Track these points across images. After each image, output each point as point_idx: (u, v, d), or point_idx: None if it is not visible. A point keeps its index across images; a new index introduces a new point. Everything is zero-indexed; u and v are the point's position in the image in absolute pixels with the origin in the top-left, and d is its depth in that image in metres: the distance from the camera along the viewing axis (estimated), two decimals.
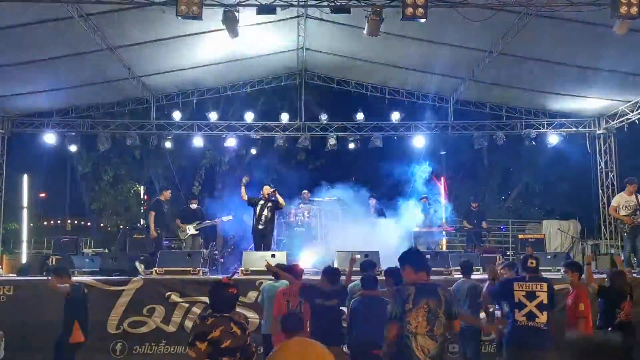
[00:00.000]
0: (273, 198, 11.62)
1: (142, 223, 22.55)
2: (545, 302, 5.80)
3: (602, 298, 6.74)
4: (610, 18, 8.44)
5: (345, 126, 15.62)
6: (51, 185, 25.40)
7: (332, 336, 5.91)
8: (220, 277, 8.83)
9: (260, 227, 11.51)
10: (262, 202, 11.60)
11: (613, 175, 14.94)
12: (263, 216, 11.50)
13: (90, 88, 13.89)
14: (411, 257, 4.90)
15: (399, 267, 4.97)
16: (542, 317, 5.74)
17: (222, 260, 13.12)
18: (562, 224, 17.07)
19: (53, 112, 15.01)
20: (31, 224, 19.78)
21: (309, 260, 11.30)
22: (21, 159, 17.01)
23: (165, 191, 13.07)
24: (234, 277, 7.13)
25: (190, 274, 9.73)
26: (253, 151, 18.66)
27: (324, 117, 15.43)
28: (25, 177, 17.32)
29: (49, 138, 14.84)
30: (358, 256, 9.07)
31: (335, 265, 9.40)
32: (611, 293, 6.70)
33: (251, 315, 8.66)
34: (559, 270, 7.77)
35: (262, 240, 11.51)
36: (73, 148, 15.33)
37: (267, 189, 11.65)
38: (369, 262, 7.60)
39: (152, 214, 12.34)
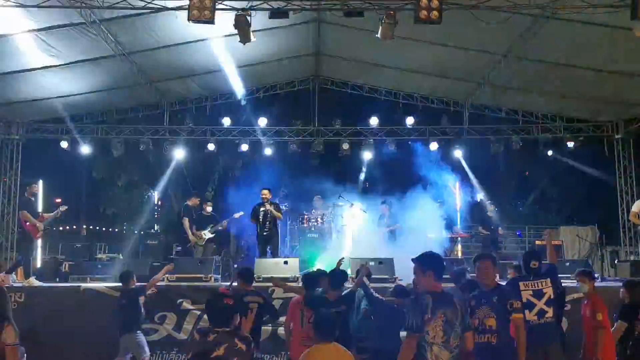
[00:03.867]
0: (276, 201, 11.63)
1: (155, 228, 22.61)
2: (552, 296, 5.76)
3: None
4: (631, 20, 8.24)
5: (359, 131, 15.50)
6: (66, 190, 25.50)
7: (341, 342, 5.77)
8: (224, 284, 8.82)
9: (264, 233, 11.49)
10: (263, 209, 11.55)
11: (632, 181, 14.65)
12: (267, 222, 11.48)
13: (104, 94, 13.92)
14: (436, 263, 4.61)
15: (417, 268, 4.66)
16: (550, 311, 5.71)
17: (235, 266, 13.03)
18: (580, 230, 16.76)
19: (67, 117, 15.07)
20: (46, 230, 19.85)
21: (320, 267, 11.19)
22: (36, 164, 17.06)
23: (193, 198, 12.80)
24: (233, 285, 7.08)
25: (202, 280, 9.65)
26: (266, 156, 18.58)
27: (337, 122, 15.33)
28: (40, 183, 17.42)
29: (64, 144, 14.90)
30: (372, 263, 8.97)
31: (349, 273, 9.28)
32: (629, 305, 6.51)
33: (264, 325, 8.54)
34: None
35: (267, 244, 11.48)
36: (87, 153, 15.38)
37: (266, 193, 11.61)
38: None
39: (186, 220, 12.14)
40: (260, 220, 11.57)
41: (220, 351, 3.77)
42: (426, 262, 4.60)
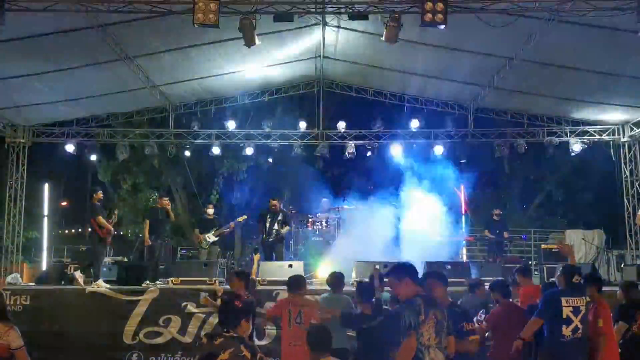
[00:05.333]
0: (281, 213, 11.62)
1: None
2: (585, 314, 5.80)
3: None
4: (636, 23, 8.21)
5: (364, 134, 15.48)
6: (71, 194, 25.62)
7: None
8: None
9: (270, 239, 11.49)
10: (269, 216, 11.56)
11: (638, 184, 14.59)
12: (273, 230, 11.48)
13: (109, 97, 13.95)
14: (407, 270, 4.70)
15: (392, 280, 4.71)
16: (582, 328, 5.74)
17: (240, 269, 13.03)
18: (586, 234, 16.64)
19: (73, 121, 15.12)
20: (52, 233, 19.95)
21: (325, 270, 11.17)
22: (42, 168, 17.17)
23: (162, 199, 12.45)
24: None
25: (206, 284, 9.65)
26: (271, 160, 18.61)
27: (342, 125, 15.31)
28: (46, 186, 17.50)
29: (69, 147, 14.93)
30: (377, 267, 8.94)
31: (353, 276, 9.27)
32: (624, 305, 6.53)
33: (269, 326, 8.55)
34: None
35: (272, 251, 11.47)
36: (93, 157, 15.43)
37: (275, 204, 11.61)
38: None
39: (147, 222, 11.82)
40: (267, 227, 11.58)
41: (225, 355, 3.76)
42: (397, 271, 4.71)
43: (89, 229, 11.11)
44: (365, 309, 6.14)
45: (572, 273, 5.95)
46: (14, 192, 14.98)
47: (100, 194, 11.38)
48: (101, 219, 10.71)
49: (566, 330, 5.65)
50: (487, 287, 7.33)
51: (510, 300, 6.86)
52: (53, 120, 15.00)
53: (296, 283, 6.56)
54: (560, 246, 7.23)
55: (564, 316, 5.67)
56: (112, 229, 10.92)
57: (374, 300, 6.26)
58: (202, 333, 9.11)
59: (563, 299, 5.75)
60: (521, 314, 6.48)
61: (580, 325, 5.70)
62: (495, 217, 13.71)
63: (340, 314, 6.20)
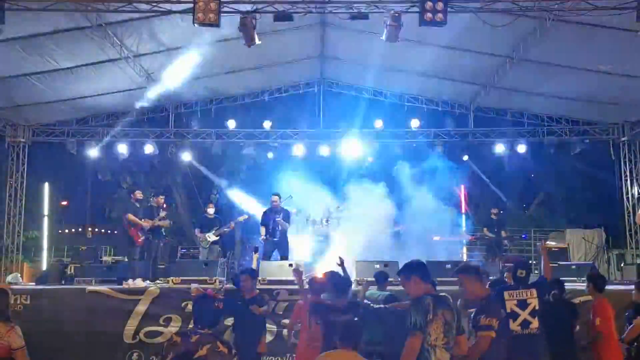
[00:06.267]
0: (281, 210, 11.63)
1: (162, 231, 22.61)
2: (536, 307, 5.59)
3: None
4: (636, 22, 8.21)
5: (364, 134, 15.46)
6: (71, 193, 25.60)
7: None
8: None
9: (275, 239, 11.51)
10: (273, 213, 11.58)
11: (638, 183, 14.58)
12: (277, 230, 11.50)
13: (109, 97, 13.96)
14: (417, 267, 4.64)
15: (402, 278, 4.63)
16: (535, 322, 5.53)
17: (240, 268, 13.05)
18: (586, 233, 16.68)
19: (73, 120, 15.13)
20: (52, 232, 19.95)
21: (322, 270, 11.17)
22: (42, 167, 17.15)
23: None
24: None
25: (207, 283, 9.65)
26: (271, 158, 18.60)
27: (342, 124, 15.32)
28: (46, 186, 17.51)
29: (69, 147, 14.94)
30: (377, 266, 8.98)
31: (353, 276, 9.27)
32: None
33: (269, 325, 8.56)
34: (584, 282, 7.53)
35: (276, 249, 11.50)
36: (93, 156, 15.41)
37: (275, 199, 11.63)
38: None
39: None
40: (270, 227, 11.61)
41: (202, 351, 3.79)
42: (407, 269, 4.64)
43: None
44: (335, 298, 6.10)
45: (517, 268, 5.90)
46: (14, 192, 14.96)
47: (138, 194, 11.29)
48: (131, 216, 10.61)
49: (513, 325, 5.46)
50: None
51: None
52: (53, 119, 15.00)
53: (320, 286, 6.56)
54: (555, 247, 7.23)
55: (508, 310, 5.55)
56: (144, 225, 10.69)
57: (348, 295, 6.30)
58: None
59: (506, 293, 5.64)
60: None
61: (530, 319, 5.50)
62: (493, 216, 13.70)
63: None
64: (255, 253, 11.36)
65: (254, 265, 11.07)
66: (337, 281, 6.33)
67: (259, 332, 7.11)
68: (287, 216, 11.87)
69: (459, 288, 5.16)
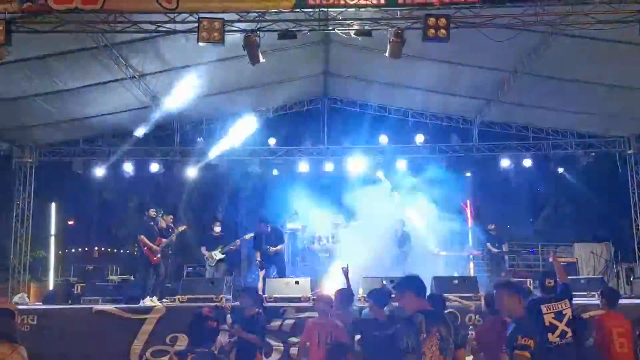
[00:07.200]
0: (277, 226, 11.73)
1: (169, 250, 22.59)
2: (571, 317, 5.65)
3: None
4: (639, 35, 8.22)
5: (369, 150, 15.48)
6: (78, 213, 25.65)
7: None
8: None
9: (269, 255, 11.50)
10: (263, 236, 11.58)
11: None
12: (270, 251, 11.48)
13: (115, 116, 14.04)
14: (411, 283, 4.55)
15: (396, 294, 4.62)
16: (569, 332, 5.59)
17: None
18: (594, 247, 16.55)
19: (79, 140, 15.22)
20: (59, 252, 19.96)
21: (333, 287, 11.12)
22: (48, 187, 17.20)
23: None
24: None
25: (213, 301, 9.60)
26: (276, 175, 18.62)
27: (347, 141, 15.35)
28: (53, 206, 17.53)
29: (76, 166, 15.01)
30: (384, 282, 8.93)
31: (360, 293, 9.23)
32: None
33: (275, 343, 8.51)
34: (593, 295, 7.47)
35: (273, 264, 11.48)
36: (99, 176, 15.48)
37: (260, 226, 11.66)
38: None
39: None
40: (264, 251, 11.64)
41: None
42: (402, 284, 4.58)
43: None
44: (378, 312, 6.12)
45: (544, 278, 5.87)
46: (21, 212, 15.01)
47: (152, 212, 11.49)
48: (143, 238, 10.85)
49: (553, 337, 5.51)
50: None
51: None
52: (60, 139, 15.09)
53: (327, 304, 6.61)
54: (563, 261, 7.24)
55: (547, 324, 5.55)
56: (155, 248, 10.92)
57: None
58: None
59: (543, 307, 5.64)
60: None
61: (567, 329, 5.55)
62: (491, 232, 13.65)
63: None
64: (261, 270, 11.33)
65: (260, 283, 11.04)
66: (375, 292, 6.36)
67: (252, 351, 6.98)
68: (279, 236, 11.85)
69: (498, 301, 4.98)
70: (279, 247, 11.70)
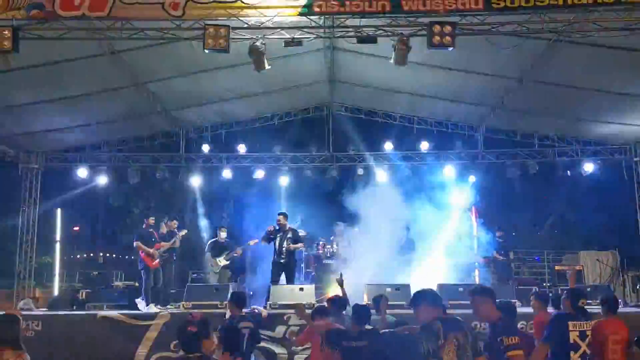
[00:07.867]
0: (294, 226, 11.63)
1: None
2: (592, 340, 5.59)
3: None
4: None
5: (374, 157, 15.49)
6: (83, 219, 25.75)
7: None
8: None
9: (282, 260, 11.40)
10: (280, 234, 11.50)
11: None
12: (284, 248, 11.39)
13: (121, 123, 14.12)
14: (424, 295, 4.66)
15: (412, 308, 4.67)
16: (590, 354, 5.52)
17: (251, 293, 12.96)
18: (600, 255, 16.45)
19: (85, 146, 15.29)
20: (64, 258, 20.00)
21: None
22: (55, 193, 17.27)
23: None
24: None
25: (217, 308, 9.60)
26: (281, 182, 18.63)
27: (352, 148, 15.36)
28: (59, 211, 17.59)
29: (82, 172, 15.08)
30: (389, 289, 8.91)
31: (365, 299, 9.21)
32: None
33: (279, 350, 8.48)
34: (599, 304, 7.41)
35: (283, 272, 11.39)
36: (105, 182, 15.54)
37: (281, 219, 11.58)
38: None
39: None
40: (277, 247, 11.51)
41: None
42: (415, 298, 4.67)
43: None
44: (353, 327, 6.16)
45: (578, 297, 5.84)
46: (27, 218, 15.06)
47: (150, 220, 11.83)
48: (139, 244, 11.12)
49: (574, 356, 5.44)
50: None
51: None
52: (66, 146, 15.17)
53: (323, 310, 6.76)
54: (568, 268, 7.18)
55: (571, 341, 5.54)
56: (152, 251, 11.17)
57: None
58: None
59: (570, 323, 5.61)
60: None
61: (588, 351, 5.51)
62: (499, 239, 13.62)
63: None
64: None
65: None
66: (356, 308, 6.38)
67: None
68: (297, 236, 11.78)
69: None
70: (298, 245, 11.64)
